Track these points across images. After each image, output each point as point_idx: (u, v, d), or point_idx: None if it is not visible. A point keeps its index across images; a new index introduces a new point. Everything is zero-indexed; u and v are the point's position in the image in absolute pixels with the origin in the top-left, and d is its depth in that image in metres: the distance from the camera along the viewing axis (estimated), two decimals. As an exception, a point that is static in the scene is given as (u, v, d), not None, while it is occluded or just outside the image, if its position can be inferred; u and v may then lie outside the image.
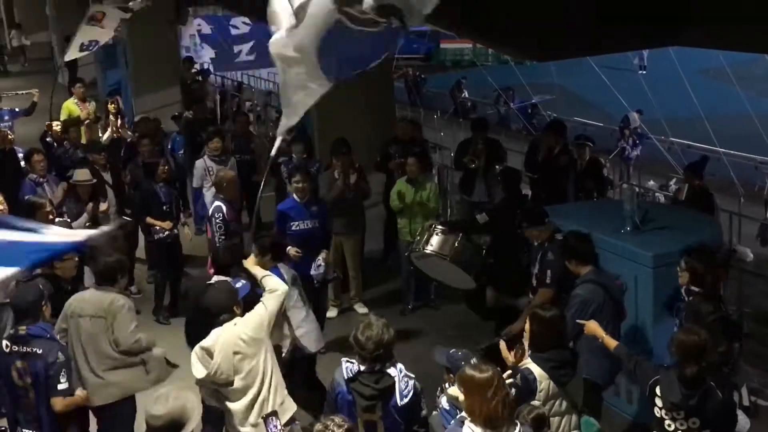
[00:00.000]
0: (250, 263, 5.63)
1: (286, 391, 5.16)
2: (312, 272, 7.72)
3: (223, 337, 4.93)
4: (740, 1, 9.46)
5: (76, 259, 6.53)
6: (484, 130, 10.42)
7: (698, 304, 5.56)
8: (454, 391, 4.65)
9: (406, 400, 4.64)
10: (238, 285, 5.34)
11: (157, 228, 8.79)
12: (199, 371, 4.94)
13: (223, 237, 7.75)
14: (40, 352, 5.32)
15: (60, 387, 5.34)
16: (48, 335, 5.42)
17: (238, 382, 4.94)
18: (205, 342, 4.96)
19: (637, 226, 6.97)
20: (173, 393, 4.21)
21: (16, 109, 13.33)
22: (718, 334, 5.14)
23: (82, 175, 8.68)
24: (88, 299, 5.87)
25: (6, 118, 12.84)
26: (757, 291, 9.32)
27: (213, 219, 7.92)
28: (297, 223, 7.91)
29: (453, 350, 5.18)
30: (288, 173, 9.00)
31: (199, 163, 9.65)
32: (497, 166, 10.02)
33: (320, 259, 7.82)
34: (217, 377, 4.92)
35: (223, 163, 9.55)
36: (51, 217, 7.45)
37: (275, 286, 5.29)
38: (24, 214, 7.02)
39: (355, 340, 4.66)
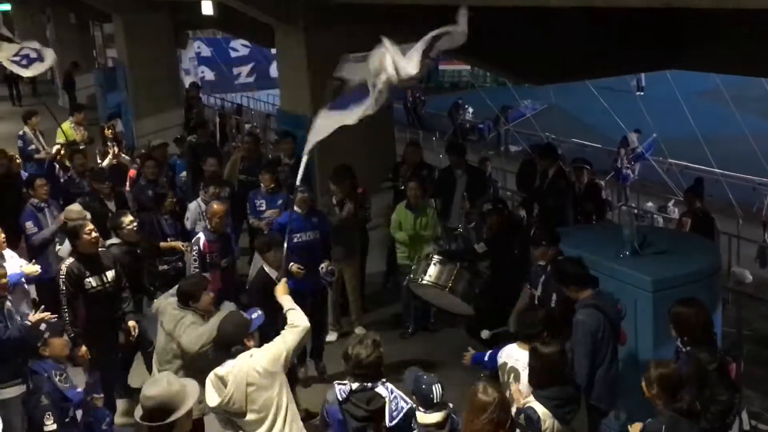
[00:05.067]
0: (281, 291, 5.43)
1: (301, 424, 5.09)
2: (327, 280, 7.84)
3: (238, 368, 4.87)
4: (735, 27, 9.60)
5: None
6: (460, 155, 10.16)
7: (698, 353, 5.32)
8: (422, 417, 4.71)
9: (396, 421, 4.63)
10: (254, 315, 5.18)
11: (162, 260, 8.69)
12: (213, 399, 4.86)
13: (197, 268, 7.68)
14: (31, 388, 5.34)
15: (46, 429, 5.29)
16: (45, 374, 5.34)
17: (251, 414, 4.87)
18: (220, 370, 4.90)
19: (637, 251, 6.96)
20: (171, 377, 4.20)
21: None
22: (719, 383, 5.12)
23: (73, 213, 7.88)
24: None
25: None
26: (756, 313, 9.34)
27: (191, 248, 7.95)
28: (299, 234, 7.87)
29: (421, 374, 5.04)
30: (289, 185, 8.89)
31: (192, 206, 9.30)
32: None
33: (324, 266, 7.76)
34: (229, 406, 4.86)
35: None
36: (95, 234, 6.98)
37: (298, 322, 5.14)
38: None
39: (345, 356, 4.77)
